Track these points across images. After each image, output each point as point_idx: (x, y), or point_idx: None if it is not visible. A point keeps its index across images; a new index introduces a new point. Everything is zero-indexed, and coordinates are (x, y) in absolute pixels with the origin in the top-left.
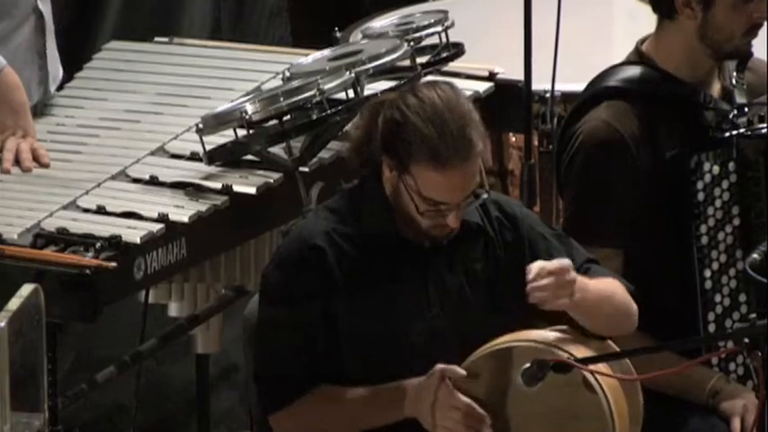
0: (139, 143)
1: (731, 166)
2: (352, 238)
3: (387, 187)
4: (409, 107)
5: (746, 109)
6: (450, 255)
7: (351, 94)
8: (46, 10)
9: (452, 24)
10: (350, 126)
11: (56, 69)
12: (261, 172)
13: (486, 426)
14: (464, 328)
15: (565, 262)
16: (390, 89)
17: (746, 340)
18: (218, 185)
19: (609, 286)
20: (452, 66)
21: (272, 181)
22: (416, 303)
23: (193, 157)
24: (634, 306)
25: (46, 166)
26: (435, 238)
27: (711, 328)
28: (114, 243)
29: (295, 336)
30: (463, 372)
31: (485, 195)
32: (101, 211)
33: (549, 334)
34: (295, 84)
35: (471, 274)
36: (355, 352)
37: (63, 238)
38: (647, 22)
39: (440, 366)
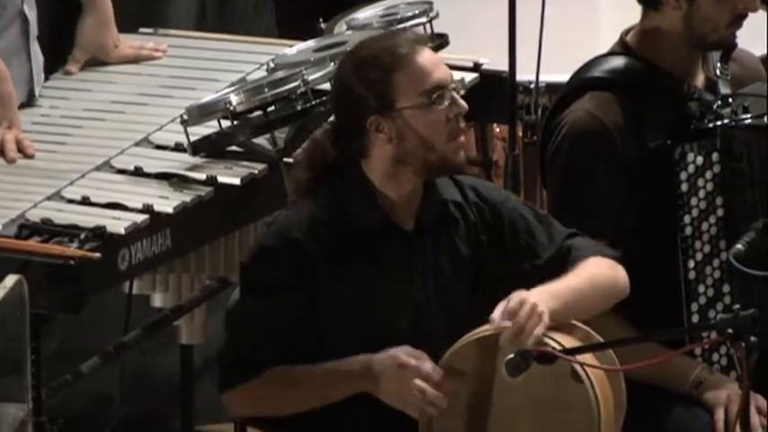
0: (124, 134)
1: (715, 156)
2: (333, 227)
3: (378, 167)
4: (345, 66)
5: (730, 100)
6: (433, 238)
7: None
8: (31, 15)
9: (437, 15)
10: (295, 169)
11: (39, 73)
12: (245, 163)
13: (442, 401)
14: (449, 312)
15: (515, 298)
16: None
17: (730, 331)
18: (202, 176)
19: (586, 273)
20: None
21: (256, 172)
22: (401, 288)
23: (178, 147)
24: (620, 275)
25: (31, 156)
26: (457, 162)
27: (695, 318)
28: (99, 234)
29: (265, 324)
30: (433, 370)
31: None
32: (85, 201)
33: None
34: (280, 74)
35: (456, 258)
36: (341, 339)
37: (47, 229)
38: (631, 12)
39: (410, 361)
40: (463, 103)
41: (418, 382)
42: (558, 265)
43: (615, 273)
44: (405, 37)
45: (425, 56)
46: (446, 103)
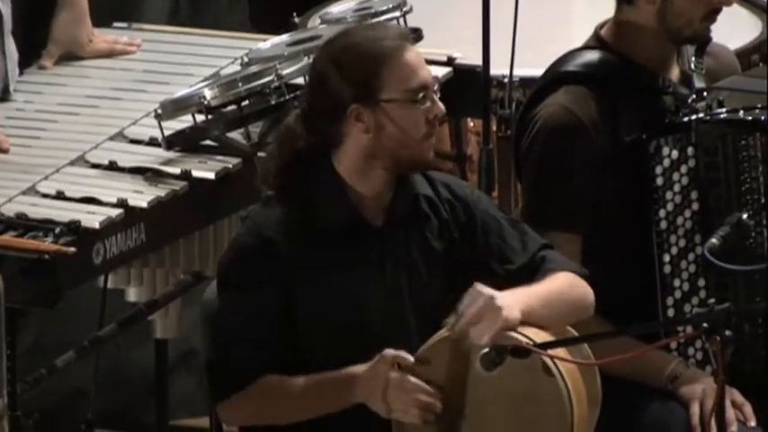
0: (98, 128)
1: (690, 150)
2: (306, 223)
3: (348, 158)
4: (329, 51)
5: (705, 94)
6: (405, 233)
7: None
8: (5, 10)
9: (411, 9)
10: (266, 155)
11: (13, 68)
12: (219, 157)
13: (437, 405)
14: (421, 308)
15: (472, 292)
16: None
17: (705, 325)
18: (176, 171)
19: (558, 285)
20: None
21: (230, 166)
22: (373, 282)
23: (152, 142)
24: (589, 294)
25: (5, 151)
26: (427, 161)
27: (670, 312)
28: (73, 228)
29: (247, 325)
30: (411, 358)
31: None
32: (60, 196)
33: None
34: (253, 69)
35: (428, 252)
36: (314, 336)
37: (22, 224)
38: (605, 6)
39: (389, 352)
40: (442, 106)
41: (412, 379)
42: (530, 273)
43: (583, 290)
44: (391, 31)
45: (413, 53)
46: (428, 103)
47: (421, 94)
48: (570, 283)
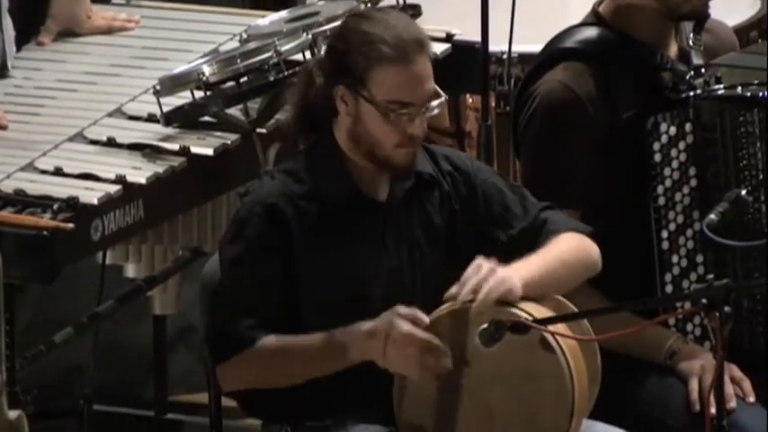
0: (97, 105)
1: (688, 126)
2: (308, 197)
3: (342, 132)
4: (350, 25)
5: (703, 70)
6: (407, 208)
7: (308, 55)
8: None
9: None
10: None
11: (11, 45)
12: (218, 133)
13: (446, 356)
14: (423, 281)
15: (474, 265)
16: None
17: (704, 301)
18: (175, 147)
19: (560, 248)
20: None
21: (229, 142)
22: (375, 257)
23: (151, 118)
24: (594, 251)
25: (4, 128)
26: (401, 166)
27: (669, 288)
28: (72, 204)
29: (250, 292)
30: (426, 319)
31: (443, 97)
32: (58, 172)
33: None
34: (252, 45)
35: (429, 227)
36: (315, 309)
37: (20, 200)
38: None
39: (402, 307)
40: (422, 129)
41: (418, 332)
42: (532, 236)
43: (587, 249)
44: (411, 33)
45: (418, 67)
46: (404, 120)
47: (401, 110)
48: (573, 244)
